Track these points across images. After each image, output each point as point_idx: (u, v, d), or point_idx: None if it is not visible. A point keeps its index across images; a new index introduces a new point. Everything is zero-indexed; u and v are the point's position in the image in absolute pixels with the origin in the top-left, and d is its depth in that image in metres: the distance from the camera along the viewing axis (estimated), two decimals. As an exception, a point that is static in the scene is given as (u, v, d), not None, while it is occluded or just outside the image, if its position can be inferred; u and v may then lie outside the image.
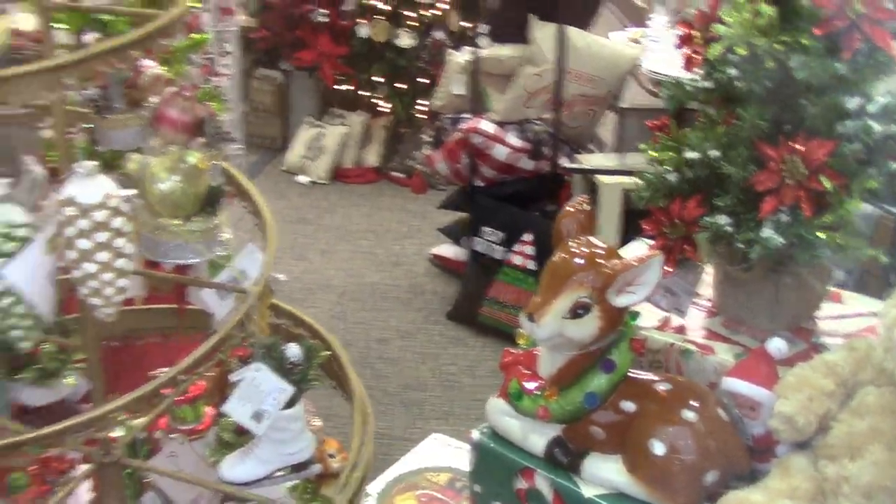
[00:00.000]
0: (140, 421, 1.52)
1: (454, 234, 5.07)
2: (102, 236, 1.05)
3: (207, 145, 1.24)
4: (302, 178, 6.48)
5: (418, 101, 6.18)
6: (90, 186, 1.04)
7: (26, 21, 1.17)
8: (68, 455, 1.73)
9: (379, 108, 6.43)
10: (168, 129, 1.21)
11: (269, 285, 1.32)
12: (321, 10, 6.27)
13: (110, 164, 1.19)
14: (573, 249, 1.51)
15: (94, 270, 1.07)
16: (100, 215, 1.05)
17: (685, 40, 1.66)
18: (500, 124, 4.54)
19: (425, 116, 6.14)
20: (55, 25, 1.64)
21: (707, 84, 1.60)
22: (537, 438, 1.58)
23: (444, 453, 2.44)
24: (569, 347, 1.53)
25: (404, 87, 6.27)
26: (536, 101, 4.62)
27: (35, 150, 1.20)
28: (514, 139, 4.52)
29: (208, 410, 1.73)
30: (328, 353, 1.50)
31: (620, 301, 1.47)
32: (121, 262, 1.08)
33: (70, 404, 1.61)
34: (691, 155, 1.59)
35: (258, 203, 1.33)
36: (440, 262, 5.25)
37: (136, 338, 1.68)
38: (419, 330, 4.77)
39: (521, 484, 1.60)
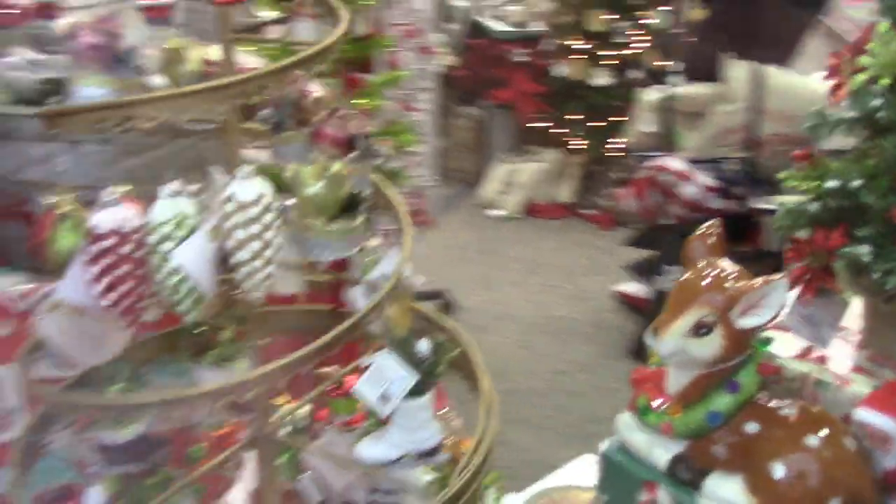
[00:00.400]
0: (292, 406, 1.72)
1: (639, 271, 5.07)
2: (255, 229, 1.24)
3: (358, 159, 1.41)
4: (495, 212, 6.70)
5: (612, 140, 6.25)
6: (247, 187, 1.24)
7: (216, 51, 1.40)
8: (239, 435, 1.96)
9: (573, 146, 6.55)
10: (325, 144, 1.40)
11: (405, 286, 1.47)
12: (520, 50, 6.50)
13: (275, 174, 1.39)
14: (701, 271, 1.55)
15: (246, 258, 1.26)
16: (253, 211, 1.24)
17: (833, 71, 1.67)
18: (691, 162, 4.52)
19: (618, 154, 6.19)
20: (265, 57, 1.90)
21: (850, 114, 1.60)
22: (662, 453, 1.62)
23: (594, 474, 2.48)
24: (694, 366, 1.56)
25: (599, 125, 6.36)
26: (729, 140, 4.57)
27: (221, 161, 1.41)
28: (703, 178, 4.48)
29: (362, 405, 1.90)
30: (456, 351, 1.63)
31: (744, 322, 1.49)
32: (269, 252, 1.26)
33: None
34: (831, 184, 1.60)
35: (400, 213, 1.48)
36: (624, 299, 5.25)
37: (302, 333, 1.89)
38: (600, 365, 4.80)
39: (644, 496, 1.64)
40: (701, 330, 1.50)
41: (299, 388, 1.90)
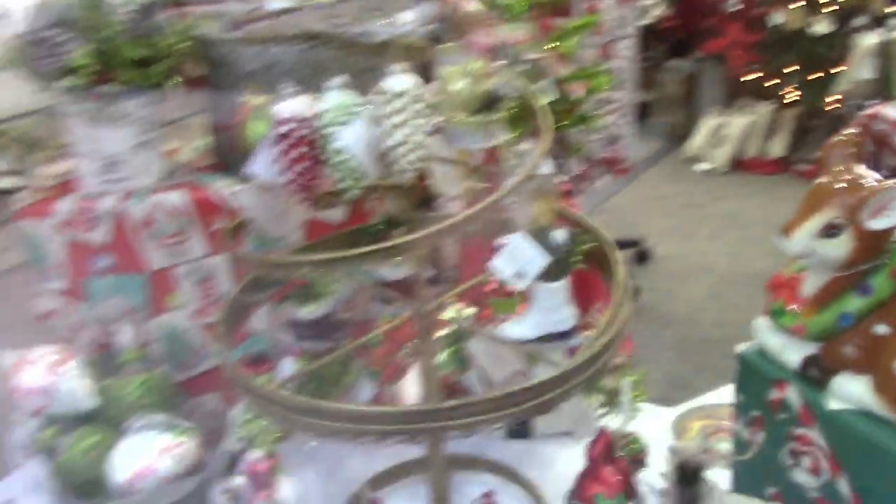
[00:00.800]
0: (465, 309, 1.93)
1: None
2: (404, 116, 1.45)
3: (504, 65, 1.58)
4: (701, 166, 6.60)
5: (828, 91, 5.97)
6: (400, 80, 1.44)
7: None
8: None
9: (787, 98, 6.32)
10: (475, 51, 1.58)
11: (548, 184, 1.62)
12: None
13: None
14: (835, 175, 1.60)
15: (397, 143, 1.47)
16: (403, 101, 1.44)
17: None
18: (910, 111, 4.29)
19: (834, 106, 5.92)
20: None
21: None
22: (793, 354, 1.69)
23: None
24: (826, 268, 1.61)
25: (815, 76, 6.09)
26: (955, 86, 4.30)
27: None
28: (923, 127, 4.24)
29: (519, 308, 2.07)
30: (592, 244, 1.77)
31: (874, 224, 1.53)
32: (417, 137, 1.46)
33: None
34: None
35: (540, 117, 1.62)
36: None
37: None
38: (796, 319, 4.70)
39: (775, 395, 1.72)
40: (830, 231, 1.55)
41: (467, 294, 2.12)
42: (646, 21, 6.48)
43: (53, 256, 2.23)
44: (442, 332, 2.14)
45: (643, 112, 7.04)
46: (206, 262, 2.25)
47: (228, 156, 2.29)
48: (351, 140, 1.47)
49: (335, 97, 1.50)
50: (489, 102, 1.51)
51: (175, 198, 2.21)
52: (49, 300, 2.27)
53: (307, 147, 1.52)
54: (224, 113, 2.23)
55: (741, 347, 1.82)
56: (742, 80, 6.54)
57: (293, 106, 1.50)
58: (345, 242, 2.06)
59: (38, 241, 2.20)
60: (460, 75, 1.48)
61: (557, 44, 3.88)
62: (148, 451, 1.94)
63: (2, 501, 2.30)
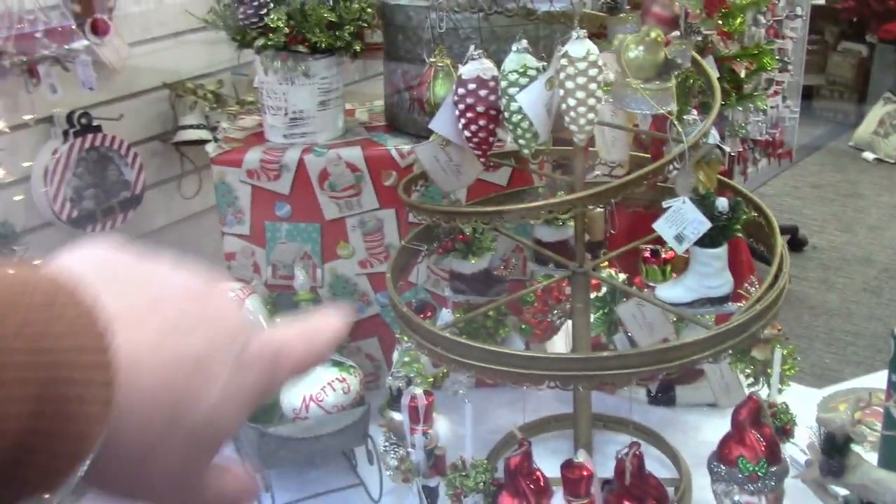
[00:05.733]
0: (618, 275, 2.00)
1: None
2: (581, 80, 1.52)
3: (681, 35, 1.63)
4: (868, 155, 6.35)
5: None
6: (579, 46, 1.52)
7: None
8: (566, 292, 2.28)
9: (968, 88, 5.98)
10: (652, 21, 1.63)
11: (711, 150, 1.66)
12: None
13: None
14: None
15: (573, 105, 1.55)
16: (581, 65, 1.52)
17: None
18: None
19: None
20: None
21: None
22: (956, 337, 1.68)
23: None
24: None
25: None
26: None
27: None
28: None
29: (675, 276, 2.13)
30: (753, 215, 1.80)
31: None
32: (591, 101, 1.54)
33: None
34: None
35: (712, 83, 1.67)
36: None
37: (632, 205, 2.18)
38: (963, 320, 4.49)
39: (929, 375, 1.72)
40: None
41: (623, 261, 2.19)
42: (819, 0, 6.26)
43: (240, 202, 2.44)
44: (594, 295, 2.22)
45: (810, 96, 6.81)
46: (376, 215, 2.41)
47: (400, 118, 2.44)
48: (530, 101, 1.57)
49: (516, 59, 1.59)
50: (663, 71, 1.57)
51: (351, 153, 2.37)
52: (233, 242, 2.48)
53: (487, 106, 1.62)
54: (399, 78, 2.37)
55: (898, 329, 1.82)
56: (919, 67, 6.23)
57: (477, 67, 1.61)
58: (509, 202, 2.17)
59: (227, 188, 2.41)
60: (636, 43, 1.54)
61: (725, 20, 3.84)
62: (317, 383, 2.11)
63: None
